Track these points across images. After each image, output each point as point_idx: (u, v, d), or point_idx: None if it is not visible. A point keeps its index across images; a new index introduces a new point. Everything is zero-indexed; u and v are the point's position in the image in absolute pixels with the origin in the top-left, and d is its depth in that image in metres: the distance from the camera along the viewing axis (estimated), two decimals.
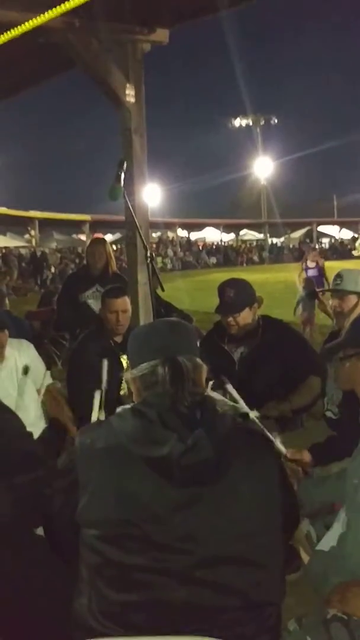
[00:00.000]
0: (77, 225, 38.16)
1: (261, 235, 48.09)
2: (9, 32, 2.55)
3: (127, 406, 1.64)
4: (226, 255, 41.93)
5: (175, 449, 1.50)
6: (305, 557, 2.22)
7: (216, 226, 47.81)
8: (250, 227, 49.84)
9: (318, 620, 1.76)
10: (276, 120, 54.67)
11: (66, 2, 2.01)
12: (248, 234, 50.05)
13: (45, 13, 2.27)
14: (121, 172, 3.44)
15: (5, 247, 34.08)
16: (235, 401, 2.69)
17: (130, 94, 5.02)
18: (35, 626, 1.85)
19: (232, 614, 1.50)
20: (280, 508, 1.60)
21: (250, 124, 54.07)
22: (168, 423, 1.55)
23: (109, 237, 29.11)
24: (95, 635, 1.50)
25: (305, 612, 1.85)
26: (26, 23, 2.36)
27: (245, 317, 3.44)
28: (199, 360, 1.68)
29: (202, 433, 1.53)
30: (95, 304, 5.13)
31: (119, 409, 1.67)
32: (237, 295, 3.45)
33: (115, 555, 1.50)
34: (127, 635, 1.48)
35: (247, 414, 2.41)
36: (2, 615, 1.90)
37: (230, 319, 3.45)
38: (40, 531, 2.04)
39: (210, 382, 3.45)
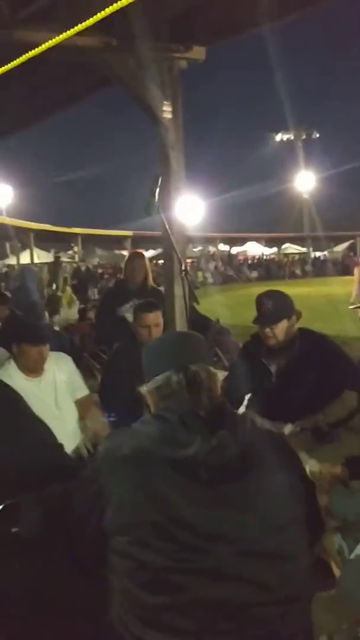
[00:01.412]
0: (119, 241, 38.61)
1: (304, 249, 47.71)
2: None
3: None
4: (268, 269, 41.71)
5: (201, 450, 1.53)
6: (337, 573, 2.18)
7: (258, 240, 47.64)
8: (292, 240, 49.51)
9: (349, 638, 1.73)
10: (318, 135, 54.42)
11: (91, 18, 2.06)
12: (290, 248, 49.70)
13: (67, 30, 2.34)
14: (156, 187, 3.49)
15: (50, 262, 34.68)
16: None
17: (167, 110, 5.11)
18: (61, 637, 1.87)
19: (265, 610, 1.51)
20: (304, 501, 1.64)
21: (292, 138, 53.95)
22: (190, 426, 1.58)
23: (150, 253, 29.32)
24: None
25: (336, 629, 1.82)
26: (47, 41, 2.44)
27: (283, 329, 3.41)
28: (212, 368, 1.72)
29: (226, 433, 1.56)
30: (132, 318, 5.17)
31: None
32: (275, 306, 3.42)
33: (147, 558, 1.52)
34: (164, 637, 1.49)
35: None
36: (33, 629, 1.92)
37: (268, 330, 3.42)
38: None
39: (247, 396, 3.46)
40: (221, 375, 3.80)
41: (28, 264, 29.69)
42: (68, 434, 3.47)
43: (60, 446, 2.05)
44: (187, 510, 1.52)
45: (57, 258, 15.69)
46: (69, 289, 13.23)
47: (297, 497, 1.63)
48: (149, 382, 1.72)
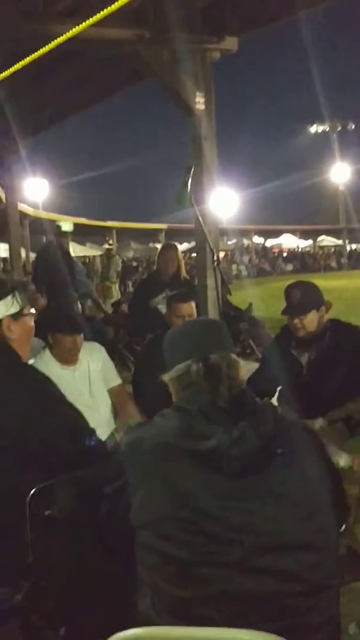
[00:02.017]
0: (153, 234, 38.74)
1: (339, 241, 47.09)
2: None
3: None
4: (303, 262, 41.33)
5: (223, 442, 1.52)
6: None
7: (293, 232, 47.23)
8: (328, 232, 48.92)
9: None
10: (353, 126, 53.53)
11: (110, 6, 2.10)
12: (326, 240, 49.12)
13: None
14: (188, 178, 3.50)
15: (85, 256, 35.07)
16: None
17: (200, 102, 5.11)
18: (98, 619, 1.91)
19: (293, 600, 1.51)
20: (329, 489, 1.62)
21: (327, 129, 53.20)
22: (211, 417, 1.58)
23: (184, 246, 29.35)
24: None
25: None
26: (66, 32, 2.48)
27: (312, 319, 3.41)
28: (233, 356, 1.71)
29: (247, 424, 1.55)
30: (164, 310, 5.20)
31: None
32: (303, 297, 3.42)
33: (173, 552, 1.53)
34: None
35: None
36: (67, 609, 1.97)
37: (297, 321, 3.42)
38: None
39: (278, 389, 3.46)
40: (253, 367, 3.79)
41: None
42: (101, 422, 3.53)
43: (93, 431, 2.09)
44: (211, 503, 1.52)
45: (108, 250, 16.57)
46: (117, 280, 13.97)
47: (322, 486, 1.61)
48: (170, 370, 1.71)
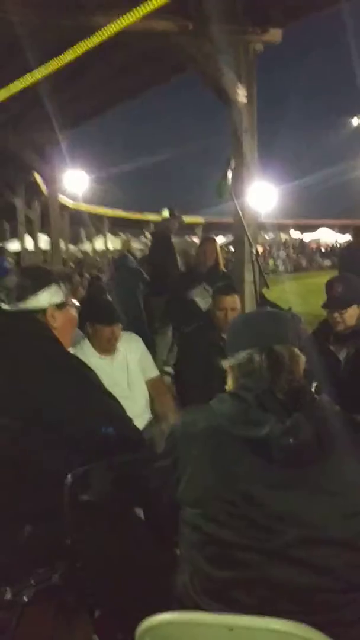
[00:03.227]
0: (190, 228, 38.68)
1: None
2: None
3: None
4: None
5: (274, 430, 1.53)
6: None
7: (331, 227, 46.59)
8: None
9: None
10: None
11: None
12: None
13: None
14: (228, 169, 3.49)
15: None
16: None
17: (241, 94, 5.09)
18: (133, 602, 1.94)
19: (328, 596, 1.51)
20: None
21: None
22: (266, 406, 1.58)
23: (221, 239, 29.24)
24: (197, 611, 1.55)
25: None
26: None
27: (352, 314, 3.37)
28: (296, 350, 1.69)
29: (301, 416, 1.55)
30: (202, 302, 5.21)
31: None
32: (345, 291, 3.39)
33: (216, 533, 1.55)
34: (228, 611, 1.51)
35: None
36: (102, 591, 2.01)
37: (337, 315, 3.39)
38: (138, 511, 2.15)
39: (314, 384, 3.44)
40: None
41: (103, 250, 30.33)
42: (137, 412, 3.56)
43: (130, 419, 2.12)
44: (258, 490, 1.53)
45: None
46: None
47: None
48: (231, 357, 1.72)
